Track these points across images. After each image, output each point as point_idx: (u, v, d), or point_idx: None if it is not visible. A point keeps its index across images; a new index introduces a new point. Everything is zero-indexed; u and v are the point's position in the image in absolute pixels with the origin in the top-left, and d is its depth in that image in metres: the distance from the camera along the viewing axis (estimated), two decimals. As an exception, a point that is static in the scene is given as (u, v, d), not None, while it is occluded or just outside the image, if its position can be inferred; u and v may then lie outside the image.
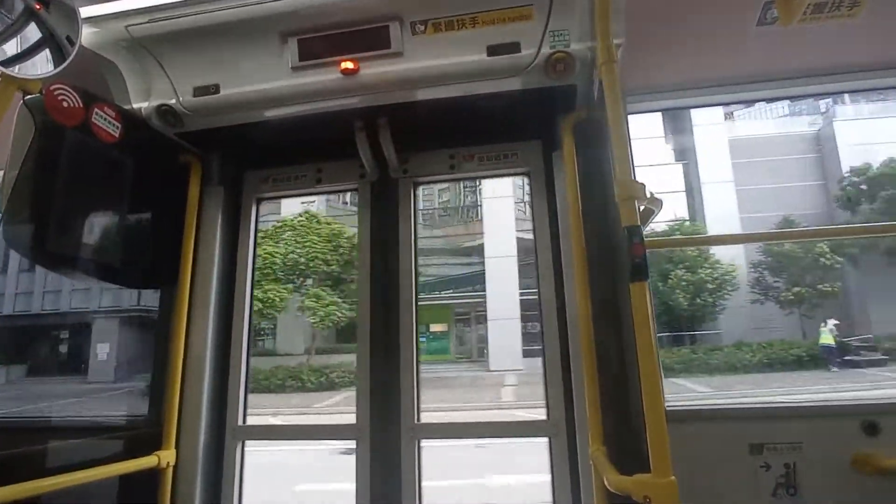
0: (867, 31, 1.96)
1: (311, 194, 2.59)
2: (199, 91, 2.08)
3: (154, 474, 2.06)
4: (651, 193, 1.55)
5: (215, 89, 2.07)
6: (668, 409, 1.76)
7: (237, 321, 2.40)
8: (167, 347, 2.22)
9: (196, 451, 2.17)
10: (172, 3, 1.91)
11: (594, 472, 1.82)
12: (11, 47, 1.58)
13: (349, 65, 1.96)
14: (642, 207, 1.51)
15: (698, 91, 2.21)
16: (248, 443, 2.31)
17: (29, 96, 1.68)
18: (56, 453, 2.01)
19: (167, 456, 2.08)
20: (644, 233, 1.45)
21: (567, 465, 2.01)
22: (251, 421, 2.35)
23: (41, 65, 1.64)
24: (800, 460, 1.78)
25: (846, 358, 13.84)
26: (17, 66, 1.57)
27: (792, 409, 1.93)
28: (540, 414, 2.16)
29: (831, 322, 14.30)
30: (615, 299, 2.03)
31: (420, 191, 2.48)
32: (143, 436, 2.16)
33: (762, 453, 1.80)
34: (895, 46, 2.05)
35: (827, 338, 14.14)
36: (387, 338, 2.29)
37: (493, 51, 1.90)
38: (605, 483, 1.57)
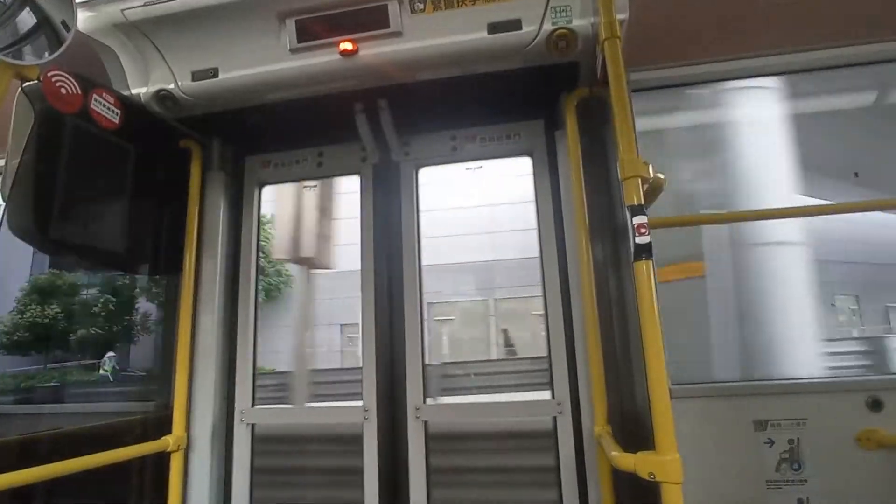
0: (878, 2, 1.90)
1: (312, 178, 2.58)
2: (198, 75, 2.06)
3: (165, 457, 2.10)
4: (655, 172, 1.53)
5: (214, 73, 2.05)
6: (672, 386, 1.77)
7: (243, 305, 2.41)
8: (175, 333, 2.25)
9: (206, 434, 2.21)
10: None
11: (599, 451, 1.84)
12: (6, 34, 1.57)
13: (348, 45, 1.93)
14: (646, 186, 1.49)
15: (704, 66, 2.16)
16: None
17: (27, 83, 1.66)
18: (68, 437, 2.05)
19: (178, 439, 2.12)
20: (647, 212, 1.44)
21: (572, 444, 2.03)
22: (259, 404, 2.38)
23: (38, 51, 1.63)
24: (804, 436, 1.79)
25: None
26: (12, 52, 1.56)
27: (797, 385, 1.93)
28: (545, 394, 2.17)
29: (109, 354, 14.30)
30: (619, 279, 2.03)
31: (422, 173, 2.46)
32: (153, 420, 2.20)
33: (766, 429, 1.81)
34: None
35: (107, 369, 14.22)
36: (392, 321, 2.30)
37: (493, 28, 1.87)
38: (610, 461, 1.58)
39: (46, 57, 1.61)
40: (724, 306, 2.56)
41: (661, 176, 1.53)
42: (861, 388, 1.81)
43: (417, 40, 1.92)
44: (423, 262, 2.35)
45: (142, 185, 2.15)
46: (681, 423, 1.31)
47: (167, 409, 2.20)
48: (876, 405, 1.77)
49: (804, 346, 2.67)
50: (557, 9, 1.83)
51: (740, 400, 1.88)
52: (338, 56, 1.95)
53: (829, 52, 2.06)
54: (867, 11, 1.96)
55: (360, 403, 2.23)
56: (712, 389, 1.94)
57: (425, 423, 2.18)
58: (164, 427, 2.14)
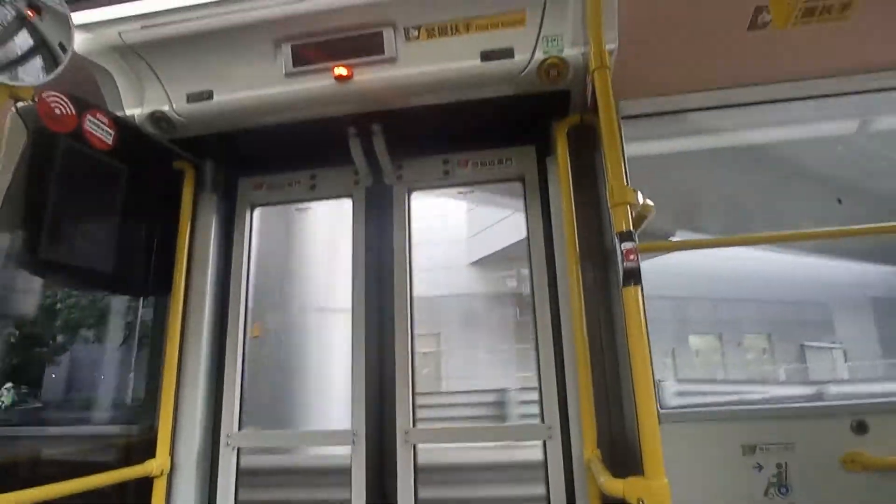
0: (857, 34, 1.98)
1: (305, 201, 2.59)
2: (193, 97, 2.08)
3: (149, 483, 2.05)
4: (644, 199, 1.56)
5: (209, 95, 2.07)
6: (661, 411, 1.78)
7: (232, 329, 2.39)
8: (161, 355, 2.22)
9: (190, 459, 2.16)
10: (165, 9, 1.91)
11: (589, 476, 1.83)
12: (3, 54, 1.58)
13: (343, 71, 1.96)
14: (635, 213, 1.52)
15: (692, 96, 2.22)
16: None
17: (21, 103, 1.67)
18: (50, 461, 2.00)
19: (161, 464, 2.07)
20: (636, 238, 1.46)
21: (562, 469, 2.02)
22: (245, 428, 2.34)
23: (34, 72, 1.64)
24: (791, 460, 1.80)
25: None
26: (8, 74, 1.57)
27: (784, 409, 1.95)
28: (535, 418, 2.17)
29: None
30: (608, 304, 2.04)
31: (414, 197, 2.48)
32: (137, 444, 2.15)
33: (755, 454, 1.82)
34: (884, 48, 2.07)
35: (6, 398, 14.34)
36: (381, 343, 2.29)
37: (486, 56, 1.91)
38: (600, 486, 1.58)
39: (43, 78, 1.62)
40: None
41: (649, 203, 1.56)
42: (846, 411, 1.83)
43: (411, 66, 1.96)
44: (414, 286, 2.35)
45: (133, 205, 2.14)
46: (669, 447, 1.32)
47: (151, 431, 2.15)
48: (861, 428, 1.79)
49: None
50: (549, 38, 1.88)
51: (729, 424, 1.89)
52: (332, 81, 1.98)
53: (815, 83, 2.14)
54: (852, 44, 2.04)
55: (348, 427, 2.20)
56: (701, 414, 1.95)
57: (414, 446, 2.16)
58: (147, 451, 2.09)
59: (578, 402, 1.90)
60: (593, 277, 2.06)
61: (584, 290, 1.97)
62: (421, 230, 2.46)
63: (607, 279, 2.06)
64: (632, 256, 1.40)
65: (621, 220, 1.44)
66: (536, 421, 2.11)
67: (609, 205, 1.48)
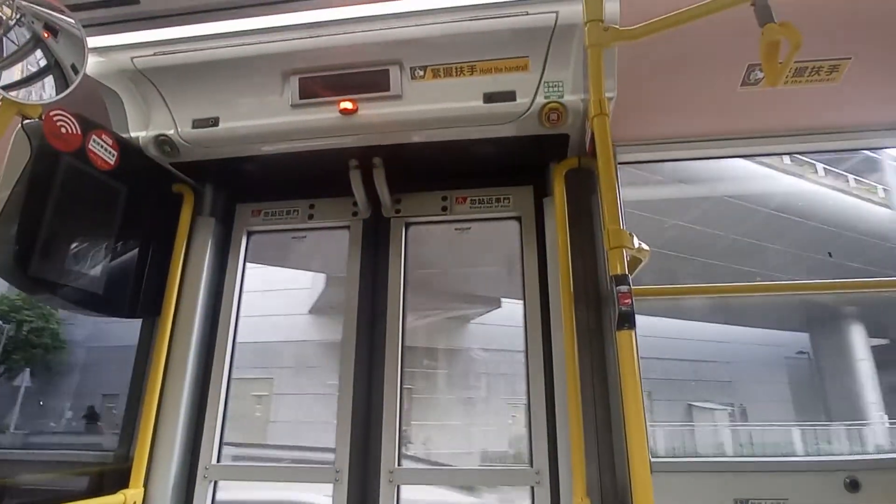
0: (846, 95, 2.06)
1: (301, 229, 2.59)
2: (199, 123, 2.11)
3: None
4: (639, 243, 1.57)
5: (214, 122, 2.10)
6: (653, 460, 1.74)
7: (218, 357, 2.34)
8: (143, 381, 2.16)
9: (165, 491, 2.08)
10: (179, 38, 1.96)
11: None
12: (15, 72, 1.61)
13: (348, 105, 2.01)
14: (630, 256, 1.53)
15: (685, 145, 2.29)
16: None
17: (28, 120, 1.68)
18: (19, 488, 1.91)
19: (134, 495, 1.99)
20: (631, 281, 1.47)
21: None
22: (225, 461, 2.26)
23: (43, 90, 1.66)
24: None
25: None
26: (19, 91, 1.59)
27: (778, 464, 1.92)
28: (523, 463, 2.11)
29: None
30: (602, 348, 2.03)
31: (411, 231, 2.49)
32: (109, 473, 2.07)
33: None
34: (872, 109, 2.15)
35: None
36: (370, 379, 2.25)
37: (489, 98, 1.97)
38: None
39: (52, 98, 1.65)
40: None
41: (645, 247, 1.57)
42: (839, 468, 1.81)
43: (415, 104, 2.00)
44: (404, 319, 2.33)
45: (129, 226, 2.13)
46: (661, 498, 1.28)
47: (126, 460, 2.07)
48: (854, 486, 1.76)
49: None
50: (550, 84, 1.94)
51: (722, 477, 1.85)
52: (338, 114, 2.02)
53: (806, 139, 2.21)
54: (838, 104, 2.12)
55: (331, 464, 2.13)
56: (694, 465, 1.91)
57: (398, 487, 2.09)
58: (118, 480, 2.01)
59: (569, 446, 1.86)
60: (587, 320, 2.06)
61: (578, 333, 1.96)
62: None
63: (601, 322, 2.06)
64: (627, 300, 1.40)
65: (616, 263, 1.45)
66: (525, 465, 2.06)
67: (605, 248, 1.49)
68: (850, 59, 1.96)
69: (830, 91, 2.04)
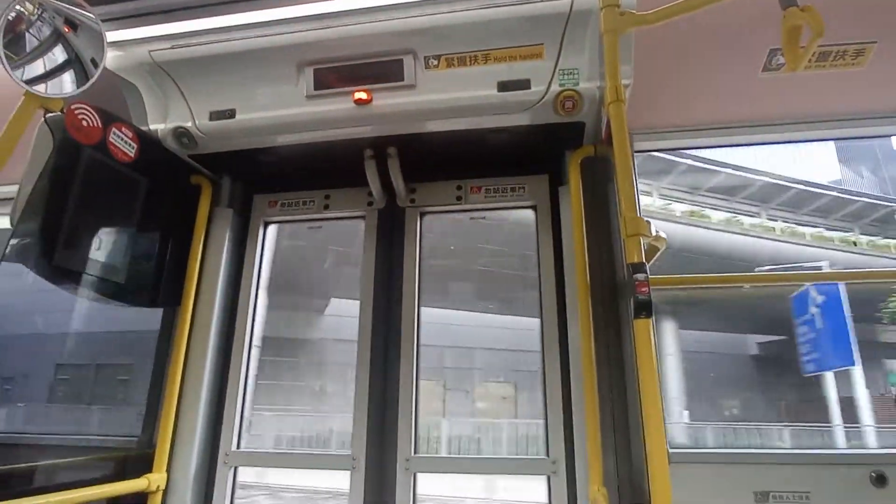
0: (871, 79, 2.00)
1: (318, 220, 2.61)
2: (215, 115, 2.13)
3: (144, 498, 2.01)
4: (657, 231, 1.55)
5: (231, 114, 2.12)
6: (671, 451, 1.73)
7: (237, 344, 2.38)
8: (165, 369, 2.21)
9: (187, 476, 2.13)
10: (195, 30, 1.98)
11: None
12: (38, 67, 1.64)
13: (363, 95, 2.01)
14: (647, 245, 1.51)
15: (703, 132, 2.24)
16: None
17: (50, 114, 1.72)
18: (46, 472, 1.97)
19: (157, 479, 2.04)
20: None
21: None
22: (245, 447, 2.31)
23: (65, 85, 1.70)
24: None
25: None
26: (41, 85, 1.62)
27: (800, 456, 1.89)
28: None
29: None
30: (618, 336, 2.01)
31: (426, 220, 2.49)
32: (134, 458, 2.12)
33: (768, 501, 1.75)
34: None
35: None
36: (386, 367, 2.26)
37: (503, 86, 1.95)
38: None
39: (73, 91, 1.68)
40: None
41: (663, 235, 1.55)
42: (865, 461, 1.77)
43: (430, 94, 2.00)
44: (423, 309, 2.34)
45: (149, 217, 2.17)
46: (678, 489, 1.27)
47: (149, 446, 2.12)
48: (880, 480, 1.72)
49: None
50: (565, 72, 1.92)
51: (741, 469, 1.83)
52: (352, 104, 2.02)
53: (829, 125, 2.16)
54: (864, 89, 2.06)
55: (348, 452, 2.16)
56: (713, 456, 1.89)
57: (414, 475, 2.11)
58: (142, 465, 2.06)
59: (585, 436, 1.85)
60: (603, 309, 2.04)
61: (594, 321, 1.95)
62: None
63: (617, 311, 2.04)
64: (644, 289, 1.39)
65: (634, 251, 1.44)
66: (542, 454, 2.06)
67: (622, 236, 1.47)
68: (875, 42, 1.90)
69: (855, 76, 1.98)
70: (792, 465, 1.82)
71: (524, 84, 1.94)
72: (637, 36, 1.75)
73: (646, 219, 1.48)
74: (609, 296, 2.06)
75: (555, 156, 2.29)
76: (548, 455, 2.03)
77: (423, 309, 2.33)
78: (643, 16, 1.56)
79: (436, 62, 1.99)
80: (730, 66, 2.02)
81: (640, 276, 1.39)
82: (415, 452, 2.13)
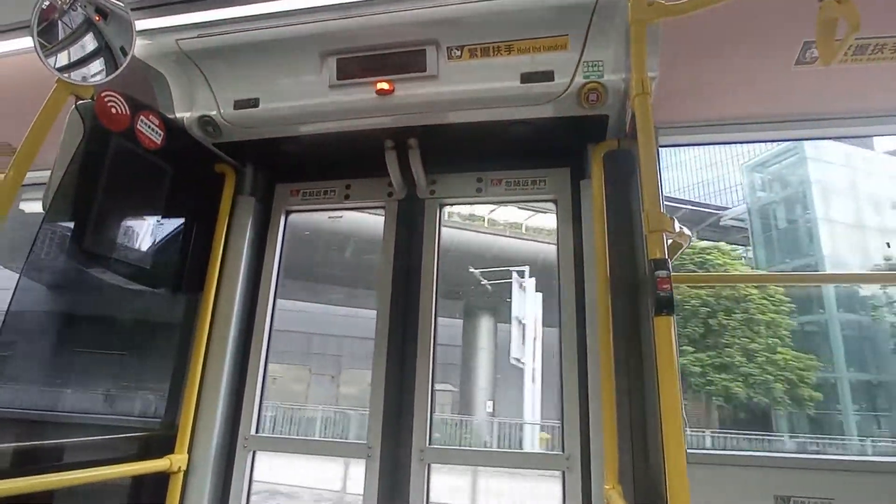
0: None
1: (338, 209, 2.63)
2: (240, 104, 2.15)
3: (165, 477, 2.07)
4: (680, 227, 1.52)
5: (255, 103, 2.14)
6: (689, 452, 1.70)
7: (258, 331, 2.42)
8: (187, 352, 2.26)
9: (208, 458, 2.18)
10: (221, 19, 2.00)
11: None
12: (69, 55, 1.68)
13: (385, 85, 2.01)
14: (670, 241, 1.48)
15: (734, 128, 2.18)
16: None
17: (81, 101, 1.76)
18: (70, 450, 2.04)
19: (179, 460, 2.09)
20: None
21: (580, 502, 1.95)
22: (263, 432, 2.35)
23: (95, 72, 1.73)
24: None
25: None
26: (72, 73, 1.66)
27: (823, 461, 1.84)
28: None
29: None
30: (638, 333, 1.99)
31: (445, 212, 2.49)
32: (156, 438, 2.18)
33: None
34: None
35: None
36: (403, 358, 2.28)
37: (526, 78, 1.93)
38: None
39: (103, 79, 1.71)
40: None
41: (686, 232, 1.52)
42: (891, 469, 1.72)
43: (452, 84, 1.98)
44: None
45: (175, 204, 2.22)
46: (695, 491, 1.25)
47: (172, 428, 2.18)
48: None
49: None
50: (590, 63, 1.88)
51: (762, 472, 1.79)
52: (374, 94, 2.02)
53: (865, 122, 2.08)
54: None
55: (363, 441, 2.18)
56: (732, 458, 1.86)
57: (428, 465, 2.12)
58: (164, 446, 2.12)
59: (601, 433, 1.84)
60: (623, 305, 2.01)
61: (613, 317, 1.92)
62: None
63: (637, 308, 2.01)
64: (665, 285, 1.36)
65: (656, 247, 1.41)
66: (557, 450, 2.05)
67: (644, 231, 1.45)
68: None
69: (894, 70, 1.90)
70: (815, 471, 1.78)
71: (548, 76, 1.91)
72: (664, 26, 1.71)
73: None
74: (629, 292, 2.03)
75: (577, 149, 2.25)
76: (563, 451, 2.02)
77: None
78: (672, 6, 1.52)
79: (458, 53, 1.98)
80: (762, 58, 1.95)
81: (661, 272, 1.36)
82: (429, 443, 2.14)
